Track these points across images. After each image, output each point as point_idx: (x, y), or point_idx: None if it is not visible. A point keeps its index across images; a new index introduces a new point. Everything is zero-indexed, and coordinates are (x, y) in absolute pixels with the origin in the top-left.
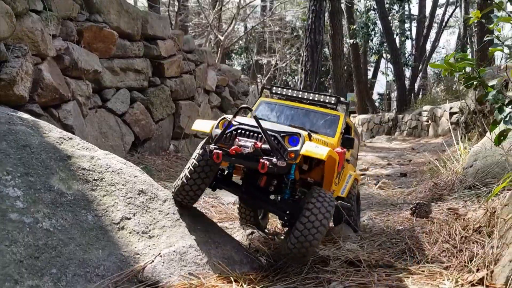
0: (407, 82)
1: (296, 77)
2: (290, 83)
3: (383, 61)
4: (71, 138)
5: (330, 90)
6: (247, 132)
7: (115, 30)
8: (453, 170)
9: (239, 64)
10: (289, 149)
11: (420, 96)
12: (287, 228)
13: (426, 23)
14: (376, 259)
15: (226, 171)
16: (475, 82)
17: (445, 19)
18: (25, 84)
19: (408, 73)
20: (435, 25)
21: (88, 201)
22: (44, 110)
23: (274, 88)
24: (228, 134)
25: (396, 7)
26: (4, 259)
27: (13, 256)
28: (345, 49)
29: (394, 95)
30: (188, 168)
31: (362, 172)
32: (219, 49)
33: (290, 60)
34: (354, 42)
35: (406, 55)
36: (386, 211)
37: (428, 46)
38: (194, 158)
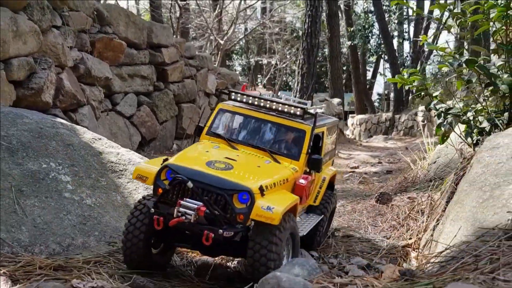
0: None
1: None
2: (290, 83)
3: (382, 62)
4: (100, 139)
5: (328, 91)
6: (199, 192)
7: (124, 40)
8: (420, 166)
9: (239, 64)
10: (237, 210)
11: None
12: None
13: (424, 24)
14: (341, 230)
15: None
16: (422, 93)
17: (444, 20)
18: (50, 92)
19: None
20: (434, 26)
21: (117, 186)
22: (64, 113)
23: (233, 94)
24: (171, 189)
25: (394, 8)
26: (63, 224)
27: (69, 222)
28: (344, 50)
29: (392, 95)
30: (125, 227)
31: (353, 170)
32: (219, 52)
33: (290, 61)
34: (352, 44)
35: (404, 56)
36: (357, 200)
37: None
38: (128, 218)
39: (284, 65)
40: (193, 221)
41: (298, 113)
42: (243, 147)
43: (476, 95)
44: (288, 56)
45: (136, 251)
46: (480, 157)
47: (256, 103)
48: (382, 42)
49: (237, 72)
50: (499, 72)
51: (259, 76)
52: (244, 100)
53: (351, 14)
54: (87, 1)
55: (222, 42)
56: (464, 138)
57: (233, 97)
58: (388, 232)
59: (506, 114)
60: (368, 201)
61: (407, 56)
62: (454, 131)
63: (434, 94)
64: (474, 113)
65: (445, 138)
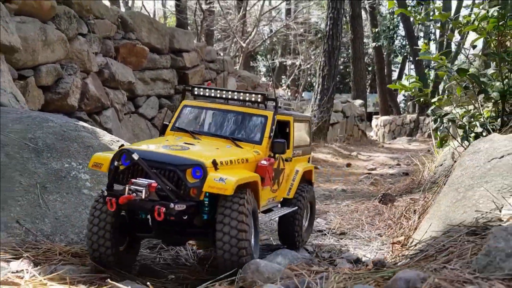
0: (430, 84)
1: None
2: (314, 83)
3: (408, 63)
4: (118, 141)
5: (352, 92)
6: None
7: (146, 45)
8: (428, 168)
9: (263, 65)
10: (190, 184)
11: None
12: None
13: (450, 25)
14: (339, 228)
15: (140, 217)
16: (421, 99)
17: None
18: (75, 96)
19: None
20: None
21: None
22: (89, 116)
23: (196, 89)
24: (124, 171)
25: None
26: (81, 217)
27: (87, 216)
28: (369, 50)
29: None
30: (88, 222)
31: (369, 171)
32: (242, 54)
33: (315, 62)
34: (377, 45)
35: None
36: (362, 200)
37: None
38: (89, 220)
39: (308, 66)
40: (144, 197)
41: (259, 99)
42: (206, 137)
43: (473, 101)
44: (312, 57)
45: (104, 251)
46: (462, 161)
47: (218, 95)
48: (407, 43)
49: (262, 73)
50: (489, 81)
51: (283, 77)
52: (207, 94)
53: (376, 15)
54: (111, 9)
55: (244, 45)
56: (460, 142)
57: (195, 92)
58: (383, 230)
59: (499, 119)
60: (372, 202)
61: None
62: (452, 136)
63: (432, 100)
64: (469, 118)
65: (443, 142)
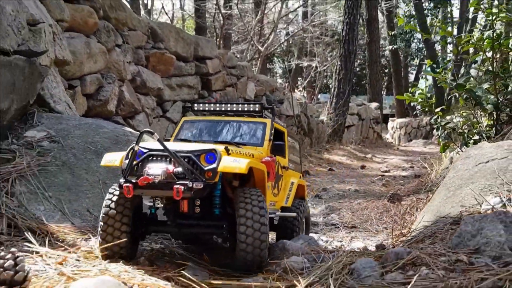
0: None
1: None
2: (330, 85)
3: (424, 66)
4: None
5: (368, 95)
6: (158, 158)
7: (173, 54)
8: (435, 171)
9: (280, 67)
10: (205, 167)
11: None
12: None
13: (468, 28)
14: (350, 222)
15: (149, 213)
16: (426, 109)
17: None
18: (113, 102)
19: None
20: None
21: None
22: (124, 120)
23: (196, 105)
24: (139, 163)
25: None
26: None
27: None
28: (386, 52)
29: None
30: (101, 216)
31: (383, 173)
32: (259, 58)
33: (331, 64)
34: (394, 48)
35: (447, 58)
36: (373, 200)
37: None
38: (104, 205)
39: (324, 68)
40: (162, 180)
41: (257, 108)
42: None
43: (472, 111)
44: (329, 59)
45: (118, 243)
46: (455, 165)
47: (218, 109)
48: (423, 45)
49: (278, 75)
50: (485, 94)
51: (299, 79)
52: (206, 108)
53: (392, 18)
54: (143, 21)
55: (262, 49)
56: (460, 148)
57: (195, 108)
58: (389, 224)
59: (494, 128)
60: (381, 201)
61: (449, 60)
62: (454, 142)
63: (436, 110)
64: (468, 127)
65: (445, 147)
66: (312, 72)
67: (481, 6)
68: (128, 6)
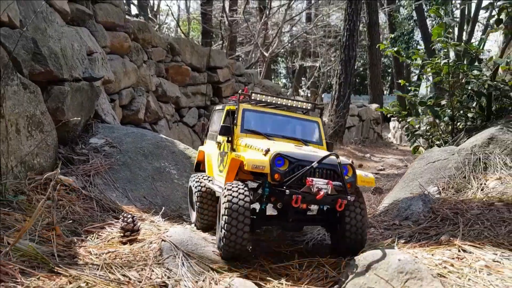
0: None
1: None
2: (332, 88)
3: None
4: (188, 148)
5: (369, 97)
6: (317, 170)
7: (189, 66)
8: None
9: (284, 68)
10: (347, 180)
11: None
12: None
13: (468, 29)
14: None
15: (259, 209)
16: (400, 118)
17: (491, 22)
18: (142, 111)
19: None
20: (480, 29)
21: None
22: (150, 125)
23: (254, 94)
24: (298, 173)
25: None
26: (175, 196)
27: (178, 195)
28: (389, 53)
29: None
30: (227, 217)
31: (378, 172)
32: (264, 63)
33: (335, 64)
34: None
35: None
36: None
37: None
38: (229, 204)
39: (328, 68)
40: (329, 193)
41: (309, 107)
42: (278, 139)
43: (437, 121)
44: (332, 59)
45: (241, 242)
46: (413, 164)
47: (274, 101)
48: (423, 47)
49: (282, 75)
50: (442, 109)
51: (303, 79)
52: (263, 99)
53: (392, 21)
54: (163, 38)
55: (267, 54)
56: (425, 150)
57: (253, 97)
58: (367, 209)
59: (451, 135)
60: (366, 193)
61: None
62: (422, 146)
63: (408, 120)
64: (431, 134)
65: (415, 150)
66: (315, 72)
67: (441, 38)
68: (151, 27)
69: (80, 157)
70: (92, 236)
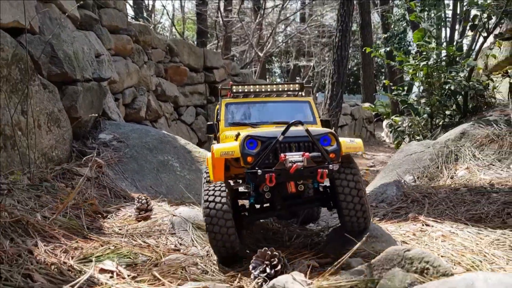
0: None
1: None
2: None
3: None
4: (188, 143)
5: (362, 96)
6: (289, 145)
7: (187, 66)
8: None
9: (278, 67)
10: (329, 149)
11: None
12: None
13: (460, 29)
14: None
15: (249, 204)
16: (384, 116)
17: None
18: (144, 110)
19: None
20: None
21: (200, 169)
22: (150, 123)
23: (234, 87)
24: (269, 152)
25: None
26: (179, 187)
27: (181, 186)
28: (381, 51)
29: None
30: (207, 225)
31: (368, 168)
32: (259, 63)
33: (329, 64)
34: (387, 50)
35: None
36: None
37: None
38: (206, 210)
39: (322, 68)
40: (306, 165)
41: (297, 88)
42: (266, 126)
43: (416, 118)
44: (326, 59)
45: (227, 240)
46: (393, 157)
47: (257, 90)
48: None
49: (277, 74)
50: (421, 106)
51: (297, 78)
52: (246, 90)
53: (385, 21)
54: (162, 40)
55: (261, 54)
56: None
57: (234, 90)
58: None
59: (429, 131)
60: None
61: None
62: (404, 141)
63: (392, 117)
64: (412, 130)
65: (398, 145)
66: (309, 71)
67: (422, 42)
68: (151, 28)
69: (91, 150)
70: (111, 215)
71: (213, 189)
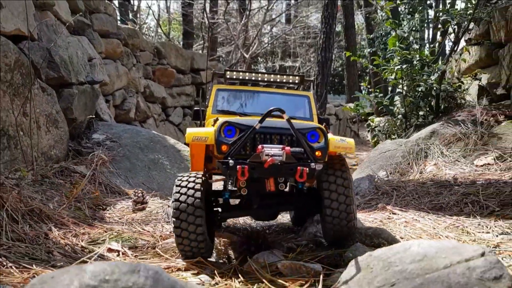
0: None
1: None
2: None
3: None
4: (177, 143)
5: (346, 97)
6: (270, 136)
7: (174, 68)
8: None
9: (264, 67)
10: (315, 146)
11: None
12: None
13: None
14: None
15: (222, 200)
16: (363, 116)
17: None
18: (133, 111)
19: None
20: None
21: (189, 167)
22: (139, 124)
23: (229, 72)
24: (244, 141)
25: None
26: (168, 183)
27: (171, 183)
28: (366, 52)
29: None
30: (174, 220)
31: (352, 166)
32: (245, 64)
33: (314, 64)
34: (371, 51)
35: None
36: None
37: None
38: (176, 203)
39: (307, 68)
40: (284, 160)
41: (297, 80)
42: (256, 116)
43: (392, 118)
44: (311, 59)
45: (196, 239)
46: (369, 154)
47: (253, 78)
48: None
49: None
50: (396, 107)
51: None
52: (240, 77)
53: (369, 23)
54: (150, 43)
55: (247, 56)
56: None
57: (228, 76)
58: None
59: (404, 131)
60: None
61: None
62: (381, 140)
63: (369, 118)
64: (388, 129)
65: (376, 143)
66: (295, 72)
67: (396, 48)
68: (139, 31)
69: (86, 150)
70: (110, 208)
71: (187, 180)
